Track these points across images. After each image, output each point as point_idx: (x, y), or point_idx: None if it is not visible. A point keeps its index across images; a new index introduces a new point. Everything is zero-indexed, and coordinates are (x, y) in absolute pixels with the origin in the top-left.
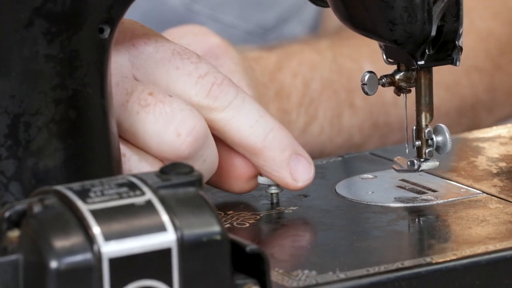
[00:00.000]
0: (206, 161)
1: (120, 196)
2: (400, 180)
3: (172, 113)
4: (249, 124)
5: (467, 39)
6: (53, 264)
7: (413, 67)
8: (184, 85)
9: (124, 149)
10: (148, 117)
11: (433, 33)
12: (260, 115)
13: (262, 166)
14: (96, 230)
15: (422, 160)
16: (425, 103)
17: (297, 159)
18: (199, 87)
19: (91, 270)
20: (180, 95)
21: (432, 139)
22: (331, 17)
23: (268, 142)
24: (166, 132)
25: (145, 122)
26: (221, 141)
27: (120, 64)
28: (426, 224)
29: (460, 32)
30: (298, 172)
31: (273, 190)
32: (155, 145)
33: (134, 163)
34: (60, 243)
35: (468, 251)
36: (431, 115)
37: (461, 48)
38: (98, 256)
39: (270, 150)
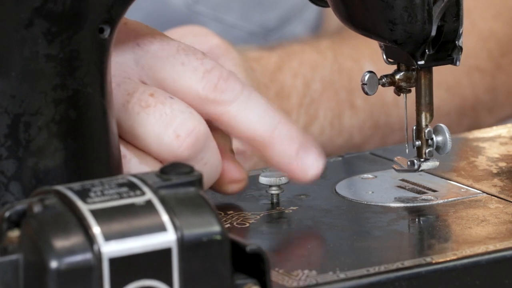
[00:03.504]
0: (208, 164)
1: (120, 196)
2: (400, 180)
3: (172, 115)
4: (257, 116)
5: (468, 40)
6: (53, 264)
7: (413, 67)
8: (190, 81)
9: (124, 151)
10: (148, 118)
11: (433, 33)
12: (268, 108)
13: (271, 158)
14: (96, 230)
15: (422, 160)
16: (425, 103)
17: (306, 151)
18: (205, 82)
19: (91, 270)
20: (186, 91)
21: (432, 139)
22: (332, 17)
23: (277, 133)
24: (165, 133)
25: (145, 123)
26: None
27: (123, 64)
28: (426, 224)
29: (460, 32)
30: (307, 164)
31: (274, 190)
32: (155, 147)
33: (134, 165)
34: (60, 243)
35: (468, 251)
36: (431, 115)
37: (461, 48)
38: (98, 256)
39: (279, 142)
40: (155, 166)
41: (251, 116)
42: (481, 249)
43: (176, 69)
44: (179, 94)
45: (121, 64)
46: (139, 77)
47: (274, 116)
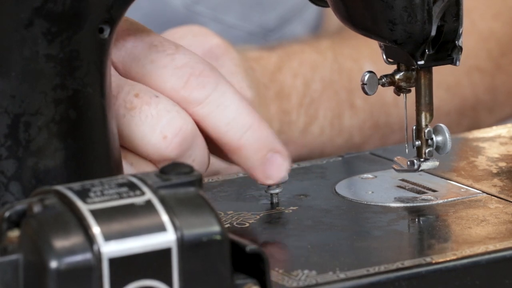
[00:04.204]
0: (196, 161)
1: (120, 196)
2: (400, 180)
3: (157, 116)
4: (226, 121)
5: (468, 40)
6: (53, 264)
7: (413, 67)
8: (158, 78)
9: None
10: (133, 120)
11: (433, 33)
12: (239, 111)
13: (237, 162)
14: (96, 230)
15: (422, 160)
16: (425, 103)
17: (272, 157)
18: (174, 79)
19: (91, 270)
20: (157, 90)
21: (432, 139)
22: (332, 17)
23: (244, 141)
24: (152, 134)
25: (131, 125)
26: None
27: None
28: (426, 224)
29: (460, 32)
30: (270, 170)
31: (273, 190)
32: (142, 148)
33: (125, 166)
34: (60, 243)
35: (468, 251)
36: (431, 115)
37: (461, 48)
38: (98, 256)
39: (246, 149)
40: (146, 167)
41: (219, 120)
42: (481, 249)
43: (146, 67)
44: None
45: None
46: (118, 72)
47: (244, 121)
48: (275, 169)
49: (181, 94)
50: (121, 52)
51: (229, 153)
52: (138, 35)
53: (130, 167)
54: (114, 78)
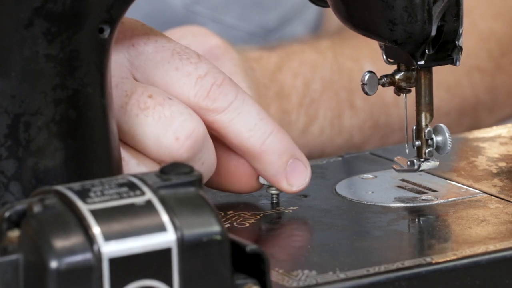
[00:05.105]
0: (205, 164)
1: (120, 196)
2: (400, 180)
3: (171, 117)
4: (248, 127)
5: (468, 40)
6: (53, 264)
7: (413, 67)
8: (183, 87)
9: (122, 152)
10: (147, 120)
11: (433, 33)
12: (260, 117)
13: (259, 169)
14: (96, 230)
15: (422, 160)
16: (425, 103)
17: (294, 164)
18: (198, 88)
19: (91, 270)
20: (179, 97)
21: (432, 139)
22: (332, 17)
23: (267, 146)
24: (164, 135)
25: (144, 125)
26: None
27: (119, 64)
28: (426, 224)
29: (460, 32)
30: (293, 177)
31: (273, 190)
32: (154, 149)
33: (132, 166)
34: (60, 243)
35: (468, 251)
36: (431, 115)
37: (461, 48)
38: (98, 256)
39: (268, 155)
40: (154, 168)
41: (242, 125)
42: (481, 249)
43: (169, 74)
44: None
45: (117, 63)
46: (134, 77)
47: (266, 127)
48: (298, 176)
49: (204, 102)
50: (141, 56)
51: (251, 159)
52: (159, 41)
53: (136, 167)
54: (126, 81)
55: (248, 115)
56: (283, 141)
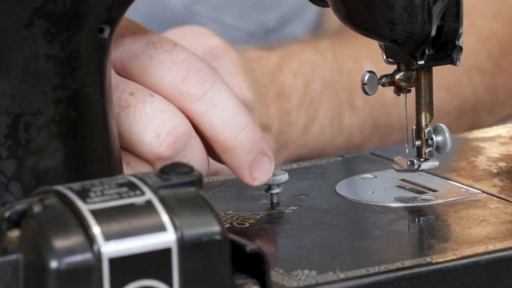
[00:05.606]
0: (191, 162)
1: (120, 196)
2: (400, 180)
3: (152, 115)
4: (222, 120)
5: (468, 40)
6: (53, 264)
7: (413, 67)
8: (157, 74)
9: None
10: (128, 119)
11: (433, 33)
12: (235, 111)
13: (225, 160)
14: (96, 230)
15: (422, 160)
16: (425, 103)
17: (261, 159)
18: (173, 74)
19: (91, 270)
20: (155, 86)
21: (432, 139)
22: (332, 17)
23: (238, 141)
24: (146, 133)
25: (126, 123)
26: None
27: None
28: (426, 224)
29: (460, 32)
30: (258, 172)
31: (273, 190)
32: (136, 146)
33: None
34: (60, 243)
35: (468, 251)
36: (431, 115)
37: (461, 48)
38: (98, 256)
39: (238, 150)
40: (141, 167)
41: (216, 118)
42: (481, 249)
43: (144, 63)
44: (150, 89)
45: None
46: (114, 70)
47: (240, 121)
48: (262, 171)
49: (179, 88)
50: (119, 48)
51: (220, 152)
52: (137, 33)
53: (126, 167)
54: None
55: (224, 107)
56: (255, 137)
